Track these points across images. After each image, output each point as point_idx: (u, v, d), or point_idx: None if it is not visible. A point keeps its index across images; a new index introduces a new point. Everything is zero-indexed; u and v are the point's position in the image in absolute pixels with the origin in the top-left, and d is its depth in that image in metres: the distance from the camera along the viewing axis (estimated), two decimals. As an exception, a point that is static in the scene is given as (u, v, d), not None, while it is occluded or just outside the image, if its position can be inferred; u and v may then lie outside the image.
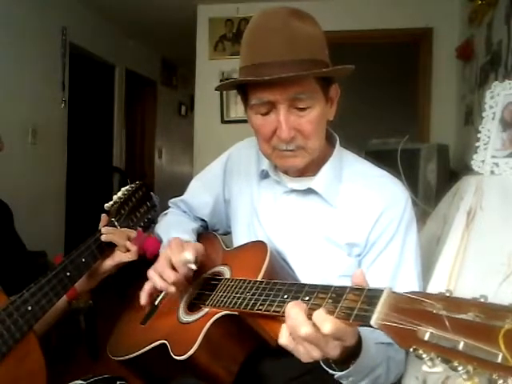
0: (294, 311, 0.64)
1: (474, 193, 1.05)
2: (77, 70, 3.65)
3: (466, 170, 1.29)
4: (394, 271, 0.91)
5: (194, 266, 0.91)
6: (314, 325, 0.61)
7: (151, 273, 0.93)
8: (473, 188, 1.07)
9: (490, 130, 1.13)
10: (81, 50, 3.74)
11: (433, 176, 2.34)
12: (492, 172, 1.11)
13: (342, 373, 0.73)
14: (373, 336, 0.76)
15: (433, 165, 2.35)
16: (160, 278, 0.91)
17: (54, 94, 3.39)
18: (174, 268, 0.90)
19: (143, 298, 0.95)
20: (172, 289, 0.90)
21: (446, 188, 1.29)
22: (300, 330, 0.61)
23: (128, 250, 1.05)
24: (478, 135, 1.16)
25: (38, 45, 3.18)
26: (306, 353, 0.63)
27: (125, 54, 4.47)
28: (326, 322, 0.60)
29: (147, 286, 0.95)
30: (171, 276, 0.89)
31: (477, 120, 2.57)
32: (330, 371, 0.74)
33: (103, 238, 1.03)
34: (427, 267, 1.01)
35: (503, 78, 1.42)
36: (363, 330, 0.73)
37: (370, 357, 0.74)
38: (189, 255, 0.90)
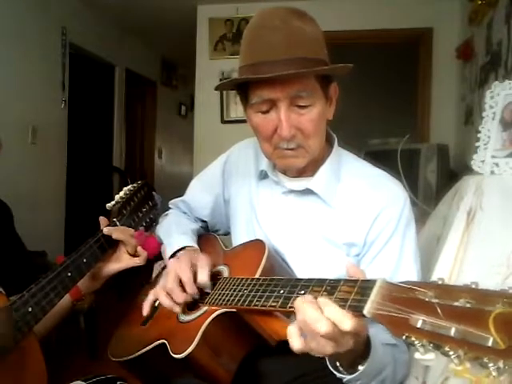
0: (308, 308, 0.61)
1: (473, 193, 1.05)
2: (77, 69, 3.65)
3: (466, 170, 1.29)
4: (393, 270, 0.91)
5: (210, 290, 0.91)
6: (333, 322, 0.59)
7: (158, 290, 0.91)
8: (473, 188, 1.06)
9: (490, 130, 1.13)
10: (81, 50, 3.74)
11: (433, 176, 2.35)
12: (492, 172, 1.11)
13: (352, 376, 0.71)
14: (379, 338, 0.75)
15: (433, 165, 2.35)
16: (167, 296, 0.90)
17: (54, 94, 3.39)
18: (182, 286, 0.89)
19: (146, 309, 0.94)
20: (178, 309, 0.90)
21: (445, 188, 1.29)
22: (319, 327, 0.59)
23: (136, 255, 1.04)
24: (478, 135, 1.16)
25: (38, 45, 3.18)
26: (319, 348, 0.62)
27: (125, 54, 4.47)
28: (346, 319, 0.59)
29: (151, 298, 0.94)
30: (180, 297, 0.89)
31: (477, 120, 2.57)
32: (339, 375, 0.73)
33: (114, 235, 1.00)
34: (427, 267, 1.01)
35: (503, 78, 1.42)
36: (370, 333, 0.71)
37: (378, 358, 0.73)
38: (204, 277, 0.90)
